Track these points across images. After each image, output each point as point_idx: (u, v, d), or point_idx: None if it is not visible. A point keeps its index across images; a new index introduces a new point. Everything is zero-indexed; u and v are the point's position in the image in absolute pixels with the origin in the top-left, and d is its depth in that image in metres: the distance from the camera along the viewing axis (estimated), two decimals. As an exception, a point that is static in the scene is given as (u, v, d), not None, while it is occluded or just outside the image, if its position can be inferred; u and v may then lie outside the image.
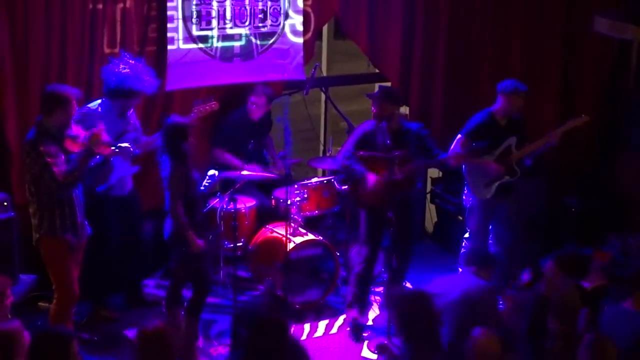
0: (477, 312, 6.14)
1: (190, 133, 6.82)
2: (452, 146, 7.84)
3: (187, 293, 7.26)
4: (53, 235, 6.61)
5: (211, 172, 7.30)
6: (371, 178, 7.32)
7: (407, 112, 9.40)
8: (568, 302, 5.78)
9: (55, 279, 6.75)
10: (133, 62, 7.35)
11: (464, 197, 8.12)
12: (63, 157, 6.52)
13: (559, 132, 7.87)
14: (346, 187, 7.81)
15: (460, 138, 7.83)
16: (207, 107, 7.58)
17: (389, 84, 9.14)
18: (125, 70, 7.23)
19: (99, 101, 7.37)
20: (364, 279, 7.63)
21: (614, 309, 6.05)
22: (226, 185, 7.94)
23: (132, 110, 7.51)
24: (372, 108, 7.44)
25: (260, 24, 8.28)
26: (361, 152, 7.42)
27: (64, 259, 6.69)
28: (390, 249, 7.68)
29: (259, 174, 8.06)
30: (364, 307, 7.73)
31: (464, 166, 7.93)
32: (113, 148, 6.93)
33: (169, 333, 5.44)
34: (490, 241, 8.09)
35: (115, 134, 7.22)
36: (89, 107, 7.32)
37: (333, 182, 8.29)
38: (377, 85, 9.96)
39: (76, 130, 6.67)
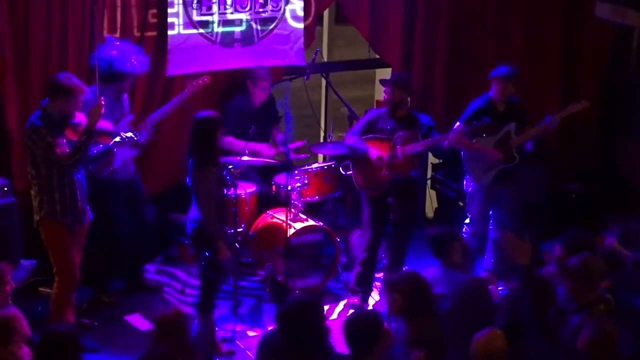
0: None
1: (221, 126, 6.74)
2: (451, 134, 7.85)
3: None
4: (53, 218, 6.64)
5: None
6: (373, 154, 7.36)
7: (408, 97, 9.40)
8: (593, 267, 5.81)
9: (55, 262, 6.77)
10: (119, 43, 7.36)
11: (464, 182, 8.11)
12: (65, 140, 6.55)
13: (559, 117, 7.87)
14: (350, 172, 7.80)
15: (459, 126, 7.82)
16: (200, 82, 7.61)
17: (389, 69, 9.14)
18: (112, 53, 7.23)
19: (91, 88, 7.36)
20: (368, 265, 7.65)
21: None
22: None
23: (125, 95, 7.52)
24: (384, 94, 7.49)
25: (261, 9, 8.26)
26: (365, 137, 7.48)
27: (64, 242, 6.71)
28: (390, 234, 7.69)
29: (259, 159, 8.04)
30: (367, 294, 7.75)
31: (462, 153, 7.93)
32: (117, 139, 6.95)
33: (185, 320, 5.49)
34: (490, 227, 8.09)
35: (114, 118, 7.25)
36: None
37: (334, 167, 8.29)
38: (376, 72, 10.01)
39: (79, 118, 6.68)
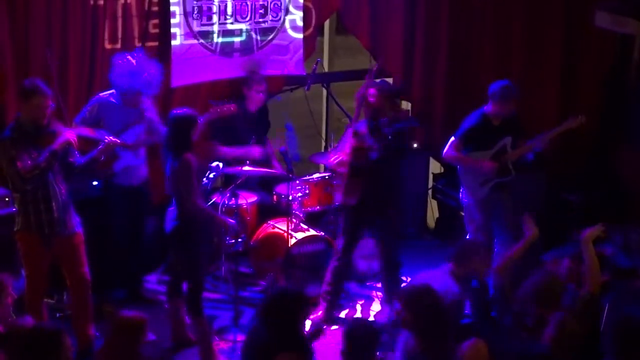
0: None
1: (196, 124, 6.77)
2: (446, 148, 7.82)
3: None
4: (27, 230, 6.66)
5: (215, 163, 7.28)
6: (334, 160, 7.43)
7: (410, 107, 9.41)
8: (551, 288, 5.84)
9: (25, 271, 6.81)
10: (136, 59, 7.33)
11: (460, 195, 8.08)
12: (34, 152, 6.50)
13: (554, 133, 7.83)
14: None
15: (453, 141, 7.79)
16: (225, 109, 7.53)
17: (390, 79, 9.16)
18: (127, 67, 7.24)
19: (112, 91, 7.41)
20: (338, 274, 7.59)
21: None
22: (228, 181, 7.94)
23: (150, 101, 7.53)
24: (370, 97, 7.38)
25: (261, 19, 8.28)
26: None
27: (35, 255, 6.71)
28: (377, 245, 7.67)
29: (261, 170, 8.04)
30: (333, 304, 7.66)
31: (458, 166, 7.91)
32: (100, 147, 6.95)
33: (145, 324, 5.46)
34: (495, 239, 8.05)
35: (124, 124, 7.28)
36: (100, 96, 7.40)
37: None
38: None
39: (55, 126, 6.65)
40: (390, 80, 9.21)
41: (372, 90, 7.38)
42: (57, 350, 5.08)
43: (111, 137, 7.03)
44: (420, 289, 5.80)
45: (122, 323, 5.41)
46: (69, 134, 6.60)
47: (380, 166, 7.31)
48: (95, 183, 7.64)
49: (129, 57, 7.37)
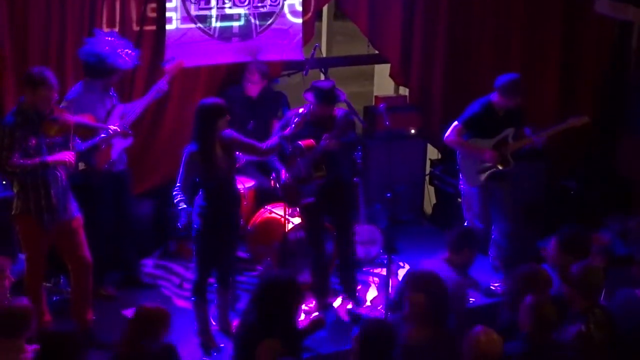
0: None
1: (225, 112, 6.71)
2: (448, 132, 7.81)
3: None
4: (27, 214, 6.65)
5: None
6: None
7: (407, 93, 9.41)
8: (592, 278, 5.84)
9: (25, 254, 6.83)
10: (109, 39, 7.32)
11: (460, 183, 8.09)
12: (33, 140, 6.48)
13: (557, 130, 7.85)
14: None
15: (457, 125, 7.79)
16: (175, 65, 7.59)
17: (388, 65, 9.15)
18: (104, 48, 7.21)
19: (78, 84, 7.35)
20: (317, 265, 7.62)
21: (627, 293, 6.12)
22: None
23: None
24: (311, 104, 7.30)
25: (260, 4, 8.25)
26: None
27: (34, 238, 6.72)
28: (335, 238, 7.68)
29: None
30: (323, 293, 7.67)
31: (458, 152, 7.92)
32: (103, 136, 6.92)
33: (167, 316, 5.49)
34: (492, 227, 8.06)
35: (106, 111, 7.27)
36: (72, 92, 7.29)
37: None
38: (375, 67, 9.96)
39: (58, 113, 6.63)
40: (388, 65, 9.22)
41: (313, 101, 7.26)
42: (77, 352, 5.13)
43: (115, 127, 7.03)
44: (426, 275, 5.82)
45: (144, 315, 5.42)
46: (69, 156, 6.59)
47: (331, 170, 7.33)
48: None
49: (100, 35, 7.37)
